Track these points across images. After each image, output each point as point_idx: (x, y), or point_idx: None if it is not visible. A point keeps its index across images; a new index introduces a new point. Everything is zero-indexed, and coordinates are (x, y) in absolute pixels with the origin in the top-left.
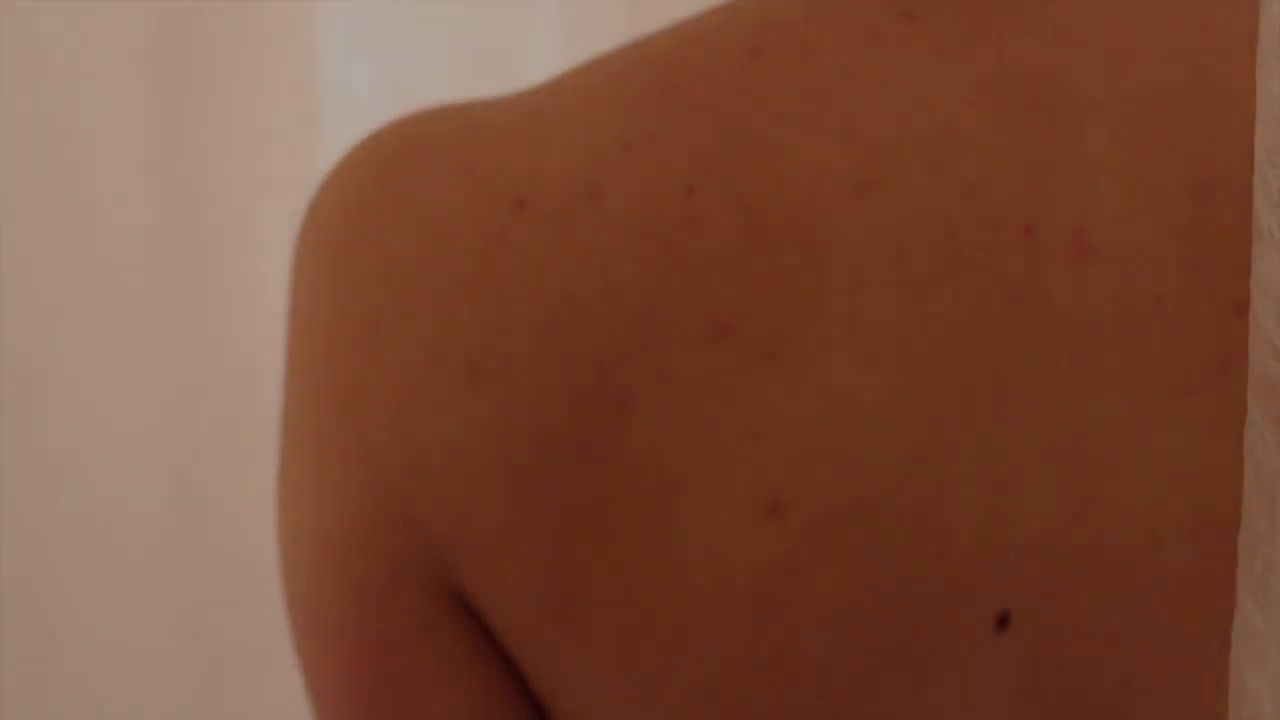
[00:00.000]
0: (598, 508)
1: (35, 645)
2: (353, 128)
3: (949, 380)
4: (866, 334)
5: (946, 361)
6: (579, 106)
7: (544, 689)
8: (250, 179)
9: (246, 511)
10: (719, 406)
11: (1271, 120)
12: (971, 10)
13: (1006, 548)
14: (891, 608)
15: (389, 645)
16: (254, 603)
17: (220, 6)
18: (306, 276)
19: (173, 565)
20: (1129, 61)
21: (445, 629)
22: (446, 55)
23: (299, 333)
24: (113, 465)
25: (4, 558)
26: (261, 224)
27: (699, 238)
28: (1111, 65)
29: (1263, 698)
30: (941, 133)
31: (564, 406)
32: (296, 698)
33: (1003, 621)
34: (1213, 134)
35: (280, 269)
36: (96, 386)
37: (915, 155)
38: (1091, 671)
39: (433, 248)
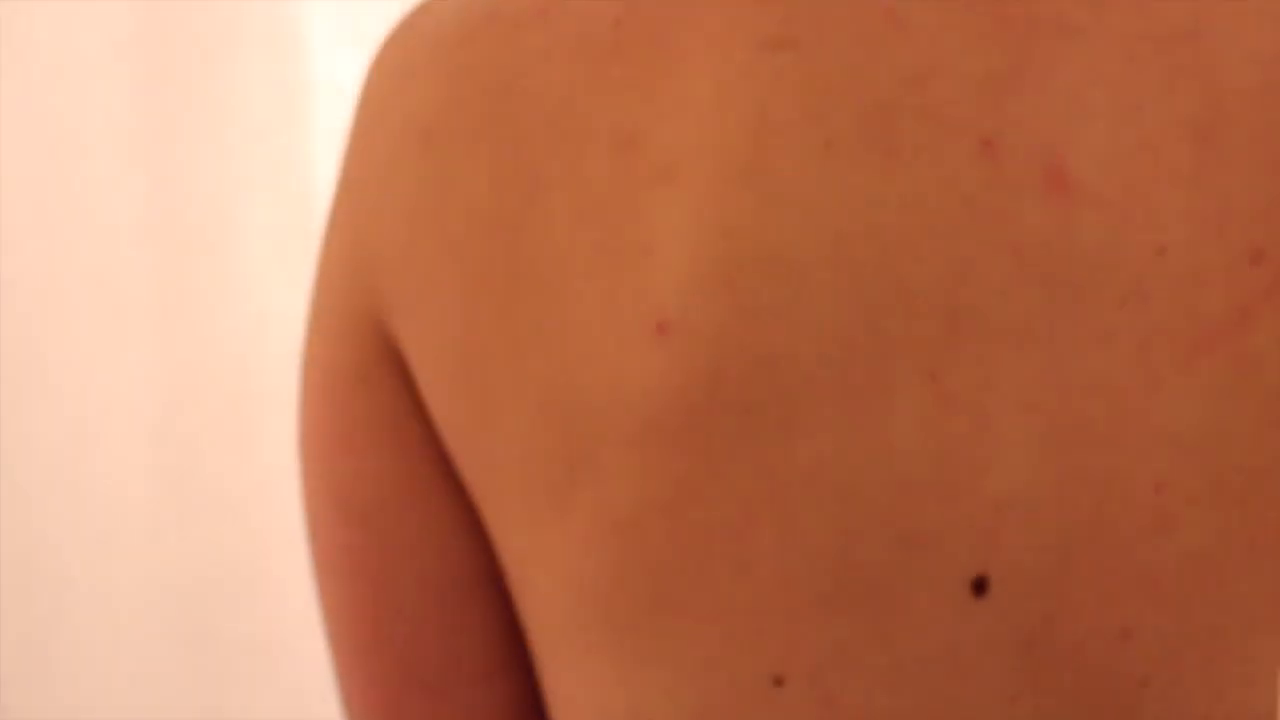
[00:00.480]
0: (503, 280)
1: (29, 643)
2: (342, 120)
3: (879, 268)
4: (770, 175)
5: (875, 245)
6: None
7: (461, 468)
8: (239, 172)
9: (239, 506)
10: (619, 215)
11: None
12: None
13: (973, 494)
14: (814, 489)
15: (341, 378)
16: (248, 598)
17: None
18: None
19: (165, 561)
20: None
21: (385, 378)
22: None
23: None
24: (102, 462)
25: None
26: (250, 217)
27: (620, 63)
28: None
29: None
30: (875, 14)
31: (488, 179)
32: (291, 693)
33: (980, 586)
34: (1212, 72)
35: (270, 261)
36: (86, 383)
37: (839, 28)
38: (1099, 667)
39: (424, 47)
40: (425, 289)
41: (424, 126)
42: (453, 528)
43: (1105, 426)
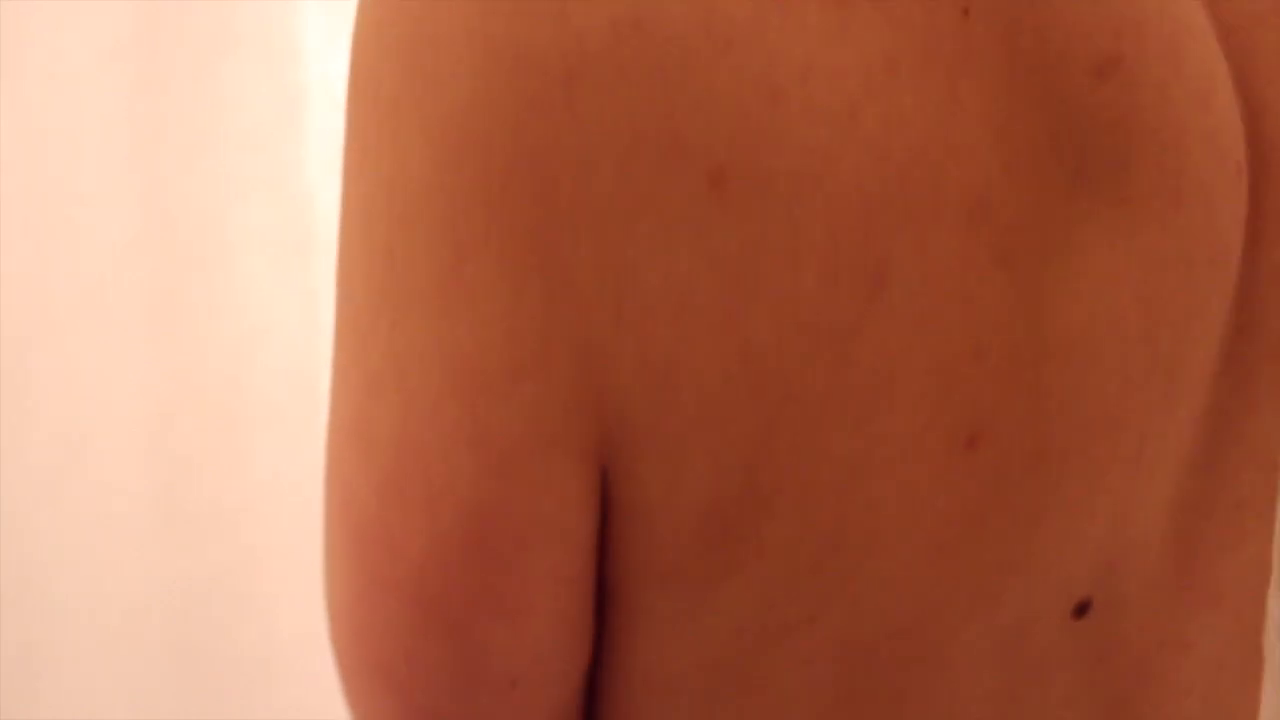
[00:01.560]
0: (814, 408)
1: (19, 656)
2: (336, 125)
3: (1137, 338)
4: (1081, 247)
5: (1145, 312)
6: None
7: (647, 596)
8: (233, 177)
9: (232, 521)
10: (959, 309)
11: None
12: None
13: (1110, 530)
14: (1009, 558)
15: (512, 526)
16: (239, 613)
17: (201, 2)
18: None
19: (157, 575)
20: None
21: (582, 527)
22: None
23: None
24: (94, 474)
25: None
26: (245, 222)
27: (962, 123)
28: None
29: None
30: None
31: (819, 262)
32: (283, 708)
33: (1082, 610)
34: None
35: (265, 268)
36: (76, 392)
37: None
38: (1155, 678)
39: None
40: (696, 415)
41: (716, 163)
42: (591, 644)
43: (1209, 452)
